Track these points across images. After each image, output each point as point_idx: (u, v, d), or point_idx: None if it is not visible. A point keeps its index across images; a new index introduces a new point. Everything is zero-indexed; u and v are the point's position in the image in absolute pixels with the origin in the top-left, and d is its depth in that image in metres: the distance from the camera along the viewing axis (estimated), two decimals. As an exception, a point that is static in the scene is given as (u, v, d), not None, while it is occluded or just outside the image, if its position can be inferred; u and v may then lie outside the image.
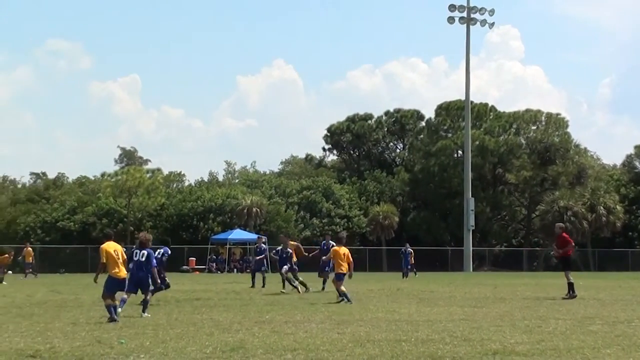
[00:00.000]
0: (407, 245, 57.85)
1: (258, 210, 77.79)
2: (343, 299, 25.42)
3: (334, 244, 28.04)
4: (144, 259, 20.53)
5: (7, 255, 49.74)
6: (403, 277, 53.10)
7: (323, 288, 32.85)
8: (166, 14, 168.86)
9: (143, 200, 79.44)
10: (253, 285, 36.64)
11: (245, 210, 77.50)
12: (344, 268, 25.79)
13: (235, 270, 68.80)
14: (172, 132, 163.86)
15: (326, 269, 32.35)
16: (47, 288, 33.60)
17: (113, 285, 19.12)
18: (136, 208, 79.52)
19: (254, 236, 71.99)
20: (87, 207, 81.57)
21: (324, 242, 34.97)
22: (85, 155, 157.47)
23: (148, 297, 20.79)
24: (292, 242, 34.30)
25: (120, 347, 14.23)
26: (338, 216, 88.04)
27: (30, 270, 55.94)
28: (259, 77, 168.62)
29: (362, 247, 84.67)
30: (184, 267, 69.09)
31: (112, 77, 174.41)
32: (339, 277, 25.81)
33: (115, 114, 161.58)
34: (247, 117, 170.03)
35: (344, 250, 25.95)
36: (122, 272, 19.30)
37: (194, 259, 70.64)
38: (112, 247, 19.42)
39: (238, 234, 71.00)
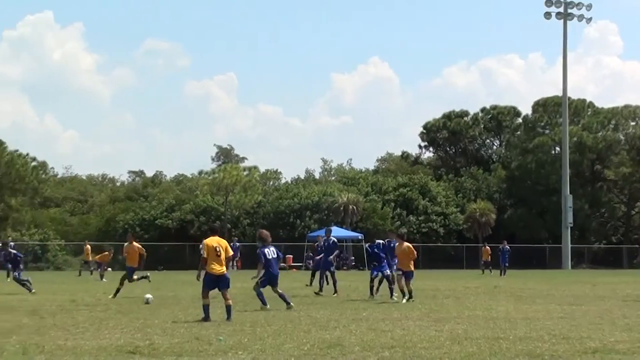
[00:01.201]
0: (505, 242, 57.37)
1: (354, 207, 77.77)
2: (411, 298, 24.94)
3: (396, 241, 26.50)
4: (275, 255, 21.68)
5: (107, 252, 50.53)
6: (501, 274, 52.65)
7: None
8: (262, 12, 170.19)
9: (240, 198, 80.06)
10: (313, 286, 34.22)
11: (342, 208, 77.55)
12: (411, 265, 25.26)
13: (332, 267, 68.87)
14: (268, 129, 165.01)
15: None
16: (146, 285, 33.86)
17: (210, 282, 18.83)
18: (233, 205, 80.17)
19: (351, 233, 72.15)
20: (184, 204, 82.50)
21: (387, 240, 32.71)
22: (182, 154, 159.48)
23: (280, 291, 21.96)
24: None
25: (218, 344, 14.33)
26: (434, 213, 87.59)
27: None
28: (355, 75, 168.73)
29: (459, 245, 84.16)
30: (281, 264, 69.33)
31: (208, 76, 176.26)
32: (408, 276, 25.24)
33: (212, 112, 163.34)
34: (342, 114, 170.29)
35: (407, 246, 25.40)
36: (220, 269, 18.83)
37: (291, 256, 70.89)
38: (214, 241, 18.92)
39: (335, 231, 71.03)
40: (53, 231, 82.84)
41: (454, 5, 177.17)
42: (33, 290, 29.92)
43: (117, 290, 27.59)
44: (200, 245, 19.35)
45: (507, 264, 55.01)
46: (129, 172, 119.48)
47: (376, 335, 15.46)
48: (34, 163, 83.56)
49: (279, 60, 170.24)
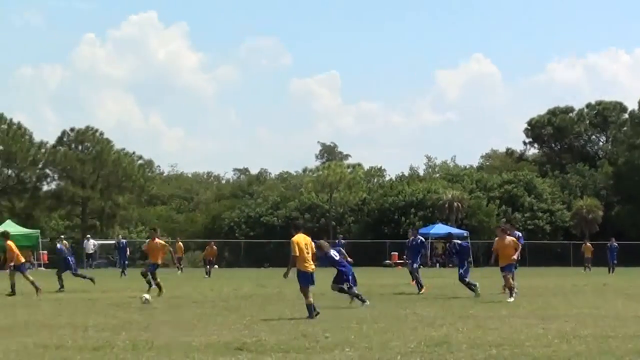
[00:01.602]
0: (613, 239, 56.41)
1: (459, 204, 77.27)
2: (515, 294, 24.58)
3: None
4: (338, 255, 22.29)
5: (213, 246, 50.62)
6: (609, 272, 51.77)
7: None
8: (364, 9, 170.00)
9: (344, 195, 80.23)
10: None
11: (446, 205, 77.12)
12: (514, 257, 24.79)
13: (437, 264, 68.59)
14: (372, 127, 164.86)
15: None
16: (253, 282, 34.32)
17: (305, 279, 18.98)
18: (337, 203, 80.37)
19: (456, 231, 71.62)
20: (289, 202, 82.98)
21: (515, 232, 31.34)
22: (286, 151, 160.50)
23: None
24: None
25: (325, 341, 14.37)
26: (540, 210, 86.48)
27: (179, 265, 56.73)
28: (458, 71, 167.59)
29: (565, 242, 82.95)
30: (387, 261, 69.39)
31: (311, 74, 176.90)
32: (509, 268, 24.82)
33: (315, 110, 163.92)
34: (446, 111, 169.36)
35: (511, 240, 24.96)
36: (312, 266, 19.07)
37: (396, 253, 70.74)
38: (302, 239, 19.15)
39: (439, 228, 70.66)
40: (160, 228, 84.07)
41: (558, 0, 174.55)
42: (62, 289, 30.39)
43: (158, 286, 27.63)
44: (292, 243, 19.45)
45: (615, 262, 54.13)
46: (234, 169, 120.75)
47: (483, 333, 15.35)
48: (140, 161, 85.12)
49: (381, 57, 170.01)
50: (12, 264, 29.03)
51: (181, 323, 17.84)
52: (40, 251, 66.92)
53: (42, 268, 64.05)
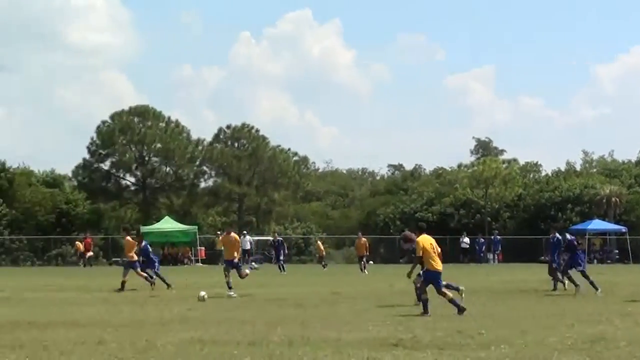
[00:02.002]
0: None
1: (617, 200, 75.38)
2: None
3: None
4: None
5: (361, 238, 50.52)
6: None
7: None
8: (517, 3, 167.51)
9: (500, 191, 79.33)
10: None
11: (604, 200, 75.36)
12: None
13: (595, 260, 67.14)
14: (527, 122, 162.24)
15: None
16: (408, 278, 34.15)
17: (432, 277, 19.22)
18: (493, 199, 79.51)
19: (614, 226, 70.00)
20: (444, 198, 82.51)
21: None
22: (441, 147, 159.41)
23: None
24: None
25: (480, 338, 14.26)
26: None
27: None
28: (615, 65, 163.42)
29: None
30: (542, 257, 68.21)
31: (466, 69, 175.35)
32: None
33: (469, 105, 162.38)
34: (603, 105, 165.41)
35: None
36: (440, 265, 19.36)
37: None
38: (427, 239, 19.48)
39: (597, 224, 69.17)
40: (315, 224, 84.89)
41: None
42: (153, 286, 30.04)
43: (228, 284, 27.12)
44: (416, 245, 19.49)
45: None
46: (389, 165, 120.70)
47: (643, 331, 14.98)
48: (295, 158, 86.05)
49: (537, 51, 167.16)
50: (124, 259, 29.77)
51: (336, 319, 17.95)
52: (198, 247, 68.41)
53: (200, 264, 65.50)
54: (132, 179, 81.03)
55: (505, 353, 12.58)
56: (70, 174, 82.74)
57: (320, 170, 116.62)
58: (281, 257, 48.83)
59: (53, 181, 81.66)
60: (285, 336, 14.71)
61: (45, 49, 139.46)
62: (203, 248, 69.84)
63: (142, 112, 79.40)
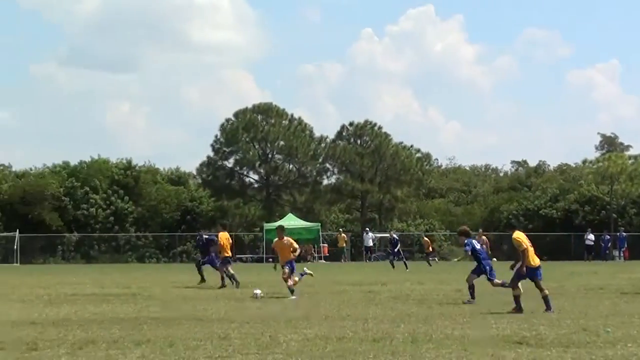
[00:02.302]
0: None
1: None
2: None
3: None
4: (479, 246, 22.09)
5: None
6: None
7: None
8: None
9: (626, 187, 77.75)
10: None
11: None
12: None
13: None
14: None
15: None
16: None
17: (528, 273, 19.10)
18: (619, 195, 77.96)
19: None
20: (568, 194, 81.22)
21: None
22: (565, 143, 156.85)
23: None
24: None
25: (606, 336, 14.02)
26: None
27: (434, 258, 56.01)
28: None
29: None
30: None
31: (590, 64, 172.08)
32: None
33: (594, 100, 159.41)
34: None
35: None
36: (538, 261, 19.36)
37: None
38: (523, 236, 19.53)
39: None
40: (438, 221, 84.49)
41: None
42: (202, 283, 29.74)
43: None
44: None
45: None
46: (512, 162, 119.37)
47: None
48: (418, 154, 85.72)
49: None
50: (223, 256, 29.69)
51: (459, 316, 17.84)
52: (321, 244, 68.74)
53: (323, 261, 65.82)
54: (256, 177, 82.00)
55: (633, 352, 12.33)
56: (194, 172, 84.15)
57: (443, 167, 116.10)
58: (394, 254, 48.25)
59: (178, 179, 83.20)
60: (408, 333, 14.69)
61: (169, 49, 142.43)
62: (326, 245, 70.19)
63: (266, 110, 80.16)
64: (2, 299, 23.27)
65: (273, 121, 79.77)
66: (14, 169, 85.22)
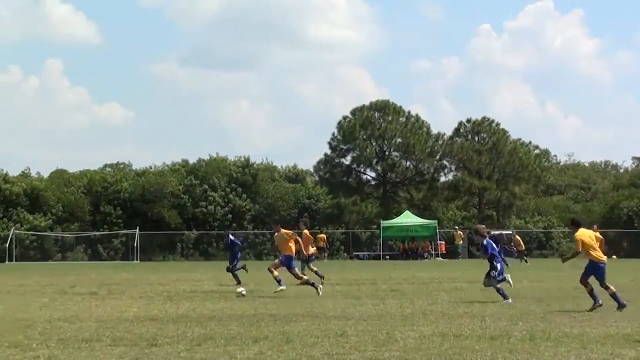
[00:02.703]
0: None
1: None
2: None
3: None
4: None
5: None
6: None
7: None
8: None
9: None
10: None
11: None
12: None
13: None
14: None
15: None
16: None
17: (594, 269, 19.13)
18: None
19: None
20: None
21: None
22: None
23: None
24: None
25: None
26: None
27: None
28: None
29: None
30: None
31: None
32: None
33: None
34: None
35: None
36: (603, 257, 19.36)
37: None
38: (586, 234, 19.41)
39: None
40: (557, 218, 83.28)
41: None
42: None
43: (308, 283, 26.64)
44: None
45: None
46: (633, 157, 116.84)
47: None
48: (536, 151, 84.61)
49: None
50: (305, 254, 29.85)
51: (578, 314, 17.60)
52: (438, 241, 68.40)
53: (440, 258, 65.50)
54: (373, 174, 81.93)
55: None
56: (312, 169, 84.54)
57: (561, 163, 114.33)
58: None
59: (295, 176, 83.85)
60: (526, 331, 14.57)
61: (286, 47, 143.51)
62: (443, 242, 69.82)
63: (383, 107, 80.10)
64: (122, 296, 23.76)
65: (390, 118, 79.68)
66: (134, 168, 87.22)
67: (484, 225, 23.37)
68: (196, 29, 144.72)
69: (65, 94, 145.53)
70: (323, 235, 67.19)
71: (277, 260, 24.87)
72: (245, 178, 78.81)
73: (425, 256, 66.30)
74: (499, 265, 21.26)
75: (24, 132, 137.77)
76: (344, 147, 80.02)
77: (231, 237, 31.70)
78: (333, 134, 79.96)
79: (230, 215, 75.98)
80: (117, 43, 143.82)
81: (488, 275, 21.35)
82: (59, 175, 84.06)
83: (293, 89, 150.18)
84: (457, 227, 71.83)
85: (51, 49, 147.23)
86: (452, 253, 67.62)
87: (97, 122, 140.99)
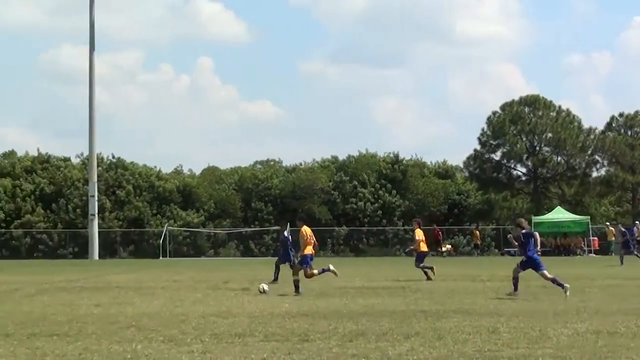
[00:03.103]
0: None
1: None
2: None
3: None
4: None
5: None
6: None
7: None
8: None
9: None
10: None
11: None
12: None
13: None
14: None
15: None
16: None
17: None
18: None
19: None
20: None
21: None
22: None
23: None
24: None
25: None
26: None
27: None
28: None
29: None
30: None
31: None
32: None
33: None
34: None
35: None
36: None
37: None
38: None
39: None
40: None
41: None
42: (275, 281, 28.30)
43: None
44: None
45: None
46: None
47: None
48: None
49: None
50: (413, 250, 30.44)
51: None
52: (591, 237, 67.14)
53: (593, 254, 64.30)
54: (523, 169, 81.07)
55: None
56: (461, 165, 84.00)
57: None
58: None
59: (445, 172, 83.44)
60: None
61: (435, 42, 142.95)
62: (596, 238, 68.50)
63: (533, 102, 79.20)
64: (276, 291, 24.09)
65: (540, 113, 78.71)
66: (284, 164, 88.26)
67: (523, 219, 23.44)
68: (344, 26, 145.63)
69: (216, 91, 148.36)
70: (477, 232, 66.83)
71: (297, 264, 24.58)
72: (395, 174, 78.94)
73: (578, 252, 65.17)
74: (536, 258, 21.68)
75: (176, 130, 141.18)
76: (494, 143, 79.34)
77: (285, 233, 31.40)
78: (482, 130, 79.46)
79: (380, 212, 76.23)
80: (265, 41, 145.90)
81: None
82: (211, 172, 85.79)
83: (442, 85, 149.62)
84: (607, 223, 70.30)
85: (202, 47, 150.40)
86: (605, 249, 66.20)
87: (247, 119, 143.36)
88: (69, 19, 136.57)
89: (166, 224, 71.49)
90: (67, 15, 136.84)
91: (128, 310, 18.45)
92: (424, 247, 30.33)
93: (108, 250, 72.18)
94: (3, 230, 73.42)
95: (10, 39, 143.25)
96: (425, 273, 29.42)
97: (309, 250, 23.97)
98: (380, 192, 77.30)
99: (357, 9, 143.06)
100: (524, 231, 22.01)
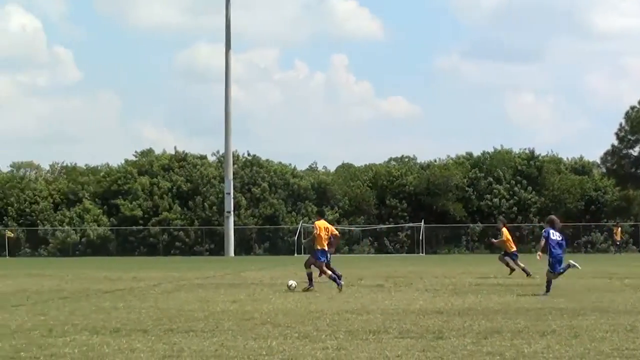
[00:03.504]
0: None
1: None
2: None
3: None
4: (560, 239, 21.34)
5: None
6: None
7: None
8: None
9: None
10: None
11: None
12: None
13: None
14: None
15: None
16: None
17: None
18: None
19: None
20: None
21: None
22: None
23: None
24: None
25: None
26: None
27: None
28: None
29: None
30: None
31: None
32: None
33: None
34: None
35: None
36: None
37: None
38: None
39: None
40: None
41: None
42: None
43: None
44: None
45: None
46: None
47: None
48: None
49: None
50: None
51: None
52: None
53: None
54: (664, 165, 78.95)
55: None
56: (598, 161, 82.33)
57: None
58: None
59: (582, 168, 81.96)
60: None
61: (572, 37, 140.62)
62: None
63: (672, 95, 77.13)
64: (409, 288, 24.11)
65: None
66: (418, 161, 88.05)
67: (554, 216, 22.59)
68: (479, 22, 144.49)
69: (350, 88, 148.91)
70: (618, 229, 65.55)
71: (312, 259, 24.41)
72: (531, 170, 77.98)
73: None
74: (554, 259, 21.28)
75: (310, 127, 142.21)
76: (632, 138, 77.49)
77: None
78: (620, 125, 77.62)
79: (515, 208, 75.44)
80: (400, 37, 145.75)
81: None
82: (345, 169, 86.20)
83: (580, 80, 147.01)
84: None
85: (336, 44, 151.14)
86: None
87: (381, 116, 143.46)
88: (204, 18, 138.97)
89: (301, 221, 72.07)
90: (203, 14, 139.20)
91: (263, 306, 18.72)
92: (512, 246, 30.65)
93: (243, 247, 73.29)
94: (141, 227, 75.26)
95: (147, 38, 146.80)
96: (511, 268, 30.06)
97: (320, 245, 24.16)
98: (516, 188, 76.50)
99: (492, 4, 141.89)
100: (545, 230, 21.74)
